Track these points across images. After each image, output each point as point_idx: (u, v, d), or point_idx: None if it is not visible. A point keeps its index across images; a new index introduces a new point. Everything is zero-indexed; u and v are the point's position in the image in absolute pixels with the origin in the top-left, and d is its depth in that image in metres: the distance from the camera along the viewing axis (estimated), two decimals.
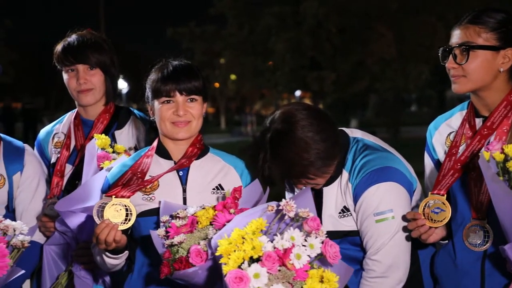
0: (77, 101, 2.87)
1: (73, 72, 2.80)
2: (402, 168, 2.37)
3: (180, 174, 2.42)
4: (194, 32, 23.47)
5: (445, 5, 19.24)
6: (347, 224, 2.36)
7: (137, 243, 2.39)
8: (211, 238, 2.08)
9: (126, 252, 2.30)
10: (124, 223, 2.20)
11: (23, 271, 2.09)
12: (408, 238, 2.34)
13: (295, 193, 2.45)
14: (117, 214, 2.19)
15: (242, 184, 2.39)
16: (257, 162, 2.30)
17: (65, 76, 2.83)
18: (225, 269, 1.93)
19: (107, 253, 2.26)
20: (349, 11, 19.89)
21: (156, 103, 2.40)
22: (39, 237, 2.72)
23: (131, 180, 2.33)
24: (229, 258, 1.94)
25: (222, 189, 2.42)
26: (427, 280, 2.45)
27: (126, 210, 2.21)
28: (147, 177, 2.37)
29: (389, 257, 2.29)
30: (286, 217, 2.05)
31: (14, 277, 2.07)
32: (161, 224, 2.21)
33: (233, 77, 28.34)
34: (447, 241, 2.36)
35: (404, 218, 2.31)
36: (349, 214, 2.36)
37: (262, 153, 2.28)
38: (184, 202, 2.37)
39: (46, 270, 2.68)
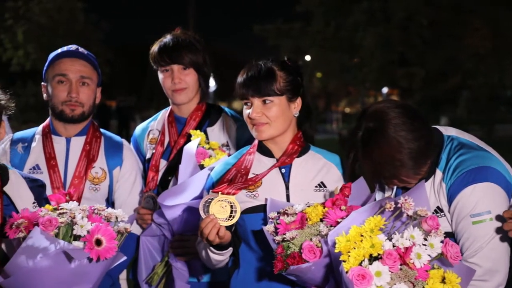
0: (171, 99, 2.98)
1: (168, 72, 2.91)
2: (500, 167, 2.27)
3: (283, 172, 2.45)
4: (281, 29, 23.52)
5: None
6: (441, 225, 2.30)
7: (241, 239, 2.45)
8: (325, 234, 2.10)
9: (230, 248, 2.36)
10: (228, 219, 2.26)
11: (125, 257, 2.21)
12: (507, 240, 2.24)
13: (385, 191, 2.41)
14: (222, 210, 2.25)
15: (343, 182, 2.38)
16: (348, 160, 2.28)
17: (160, 75, 2.95)
18: (346, 266, 1.94)
19: (211, 249, 2.32)
20: (440, 3, 19.21)
21: (243, 106, 2.47)
22: (136, 229, 2.85)
23: (235, 178, 2.39)
24: (348, 256, 1.95)
25: (325, 186, 2.43)
26: None
27: (231, 207, 2.26)
28: (250, 175, 2.42)
29: (488, 260, 2.21)
30: (404, 215, 2.03)
31: (116, 263, 2.19)
32: (269, 220, 2.25)
33: (319, 74, 28.18)
34: None
35: (501, 218, 2.22)
36: (443, 215, 2.29)
37: (352, 151, 2.26)
38: (287, 199, 2.40)
39: (142, 261, 2.81)
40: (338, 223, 2.14)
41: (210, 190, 2.36)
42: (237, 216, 2.26)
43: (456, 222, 2.27)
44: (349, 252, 1.96)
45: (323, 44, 22.76)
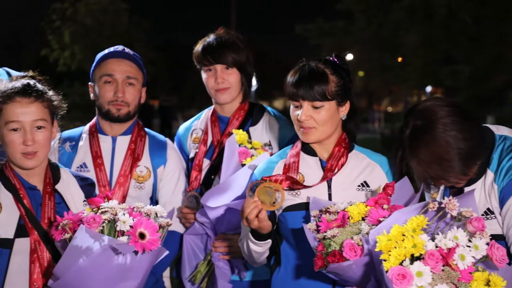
0: (214, 99, 3.00)
1: (211, 71, 2.93)
2: None
3: None
4: (322, 28, 23.38)
5: None
6: (491, 228, 2.22)
7: (282, 237, 2.45)
8: (366, 233, 2.09)
9: (269, 240, 2.36)
10: (272, 205, 2.26)
11: (167, 252, 2.24)
12: None
13: (432, 192, 2.37)
14: (267, 196, 2.25)
15: (387, 182, 2.36)
16: (395, 159, 2.25)
17: (203, 75, 2.97)
18: (386, 265, 1.93)
19: (251, 238, 2.32)
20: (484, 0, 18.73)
21: (291, 105, 2.45)
22: (179, 228, 2.88)
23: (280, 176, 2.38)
24: (389, 255, 1.94)
25: (368, 186, 2.42)
26: None
27: (277, 195, 2.26)
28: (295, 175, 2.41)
29: None
30: (448, 215, 2.01)
31: (160, 259, 2.23)
32: (312, 218, 2.25)
33: (360, 73, 27.90)
34: None
35: None
36: (493, 217, 2.23)
37: (400, 150, 2.23)
38: (329, 198, 2.40)
39: (186, 259, 2.83)
40: (380, 222, 2.13)
41: (262, 177, 2.36)
42: (280, 202, 2.25)
43: (508, 225, 2.20)
44: (389, 251, 1.94)
45: (365, 42, 22.51)
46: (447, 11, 19.55)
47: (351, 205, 2.22)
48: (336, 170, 2.41)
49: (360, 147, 2.52)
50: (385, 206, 2.17)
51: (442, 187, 2.29)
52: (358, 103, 2.53)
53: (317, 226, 2.19)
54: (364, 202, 2.22)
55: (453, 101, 2.28)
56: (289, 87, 2.41)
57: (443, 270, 1.90)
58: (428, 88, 27.13)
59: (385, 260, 1.94)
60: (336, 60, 2.46)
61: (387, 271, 1.91)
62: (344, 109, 2.44)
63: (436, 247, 1.93)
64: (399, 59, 22.29)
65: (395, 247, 1.94)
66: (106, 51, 2.90)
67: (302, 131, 2.42)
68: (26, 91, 2.26)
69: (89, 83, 2.93)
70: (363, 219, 2.17)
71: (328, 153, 2.46)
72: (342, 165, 2.43)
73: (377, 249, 1.97)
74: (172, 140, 3.08)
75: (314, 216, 2.24)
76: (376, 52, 22.39)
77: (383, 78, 24.61)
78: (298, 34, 23.84)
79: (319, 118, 2.38)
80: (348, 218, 2.18)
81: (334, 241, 2.13)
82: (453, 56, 20.73)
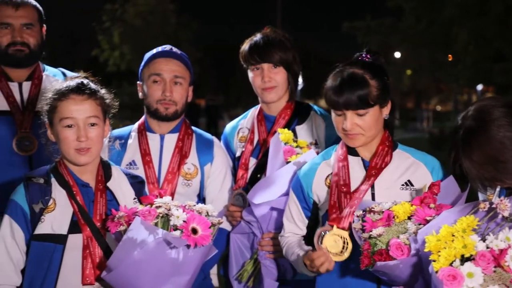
0: (261, 98, 3.00)
1: (258, 70, 2.93)
2: None
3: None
4: (370, 26, 23.10)
5: None
6: None
7: None
8: (413, 232, 2.07)
9: None
10: (339, 254, 2.29)
11: (217, 250, 2.28)
12: None
13: (488, 193, 2.31)
14: (334, 245, 2.28)
15: (433, 180, 2.32)
16: (449, 159, 2.20)
17: (250, 74, 2.98)
18: (435, 266, 1.90)
19: (305, 269, 2.37)
20: None
21: (332, 112, 2.43)
22: (226, 225, 2.90)
23: (339, 197, 2.38)
24: (439, 255, 1.91)
25: (412, 185, 2.39)
26: None
27: (344, 242, 2.28)
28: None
29: None
30: (500, 216, 1.96)
31: (210, 256, 2.26)
32: (356, 218, 2.24)
33: (408, 72, 27.44)
34: None
35: None
36: None
37: (453, 151, 2.18)
38: (373, 198, 2.37)
39: (233, 257, 2.85)
40: (426, 221, 2.10)
41: (327, 222, 2.36)
42: (347, 252, 2.27)
43: None
44: (439, 252, 1.91)
45: (414, 40, 22.11)
46: (504, 6, 18.98)
47: (395, 204, 2.19)
48: (380, 169, 2.38)
49: (404, 146, 2.49)
50: (432, 205, 2.13)
51: (498, 188, 2.23)
52: (401, 101, 2.49)
53: (362, 226, 2.18)
54: (409, 201, 2.19)
55: (509, 101, 2.20)
56: (329, 96, 2.39)
57: (494, 271, 1.86)
58: (479, 87, 26.46)
59: (434, 261, 1.91)
60: (370, 58, 2.42)
61: (436, 272, 1.88)
62: (386, 109, 2.42)
63: (487, 248, 1.88)
64: (450, 57, 21.80)
65: (445, 248, 1.91)
66: (154, 50, 2.94)
67: (348, 137, 2.40)
68: (80, 89, 2.32)
69: (138, 82, 2.98)
70: (409, 218, 2.14)
71: (371, 152, 2.43)
72: (387, 164, 2.40)
73: (426, 250, 1.94)
74: (219, 139, 3.11)
75: (358, 216, 2.23)
76: (425, 49, 21.97)
77: (432, 76, 24.12)
78: (345, 32, 23.64)
79: (365, 125, 2.36)
80: (394, 217, 2.15)
81: (380, 240, 2.11)
82: (506, 53, 20.13)
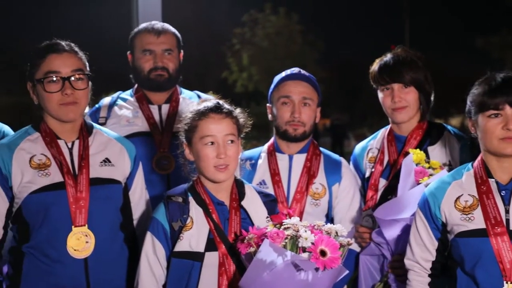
0: (391, 118, 2.96)
1: (388, 90, 2.90)
2: None
3: (502, 194, 2.29)
4: (506, 40, 21.76)
5: None
6: None
7: (457, 263, 2.35)
8: None
9: None
10: None
11: (347, 271, 2.26)
12: None
13: None
14: None
15: None
16: None
17: (380, 94, 2.95)
18: None
19: None
20: None
21: (480, 118, 2.31)
22: (355, 247, 2.88)
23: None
24: None
25: None
26: None
27: None
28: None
29: None
30: None
31: (340, 277, 2.24)
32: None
33: None
34: None
35: None
36: None
37: None
38: (507, 224, 2.25)
39: (362, 279, 2.82)
40: None
41: None
42: None
43: None
44: None
45: None
46: None
47: None
48: None
49: None
50: None
51: None
52: None
53: None
54: None
55: None
56: (485, 96, 2.27)
57: None
58: None
59: None
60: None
61: None
62: None
63: None
64: None
65: None
66: (283, 74, 3.02)
67: (507, 143, 2.24)
68: (218, 108, 2.43)
69: (267, 104, 3.07)
70: None
71: (509, 175, 2.28)
72: None
73: None
74: (345, 158, 3.10)
75: None
76: None
77: None
78: (476, 49, 22.47)
79: None
80: None
81: None
82: None
